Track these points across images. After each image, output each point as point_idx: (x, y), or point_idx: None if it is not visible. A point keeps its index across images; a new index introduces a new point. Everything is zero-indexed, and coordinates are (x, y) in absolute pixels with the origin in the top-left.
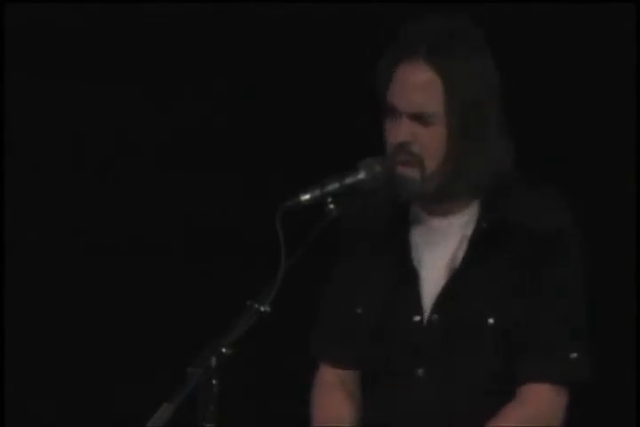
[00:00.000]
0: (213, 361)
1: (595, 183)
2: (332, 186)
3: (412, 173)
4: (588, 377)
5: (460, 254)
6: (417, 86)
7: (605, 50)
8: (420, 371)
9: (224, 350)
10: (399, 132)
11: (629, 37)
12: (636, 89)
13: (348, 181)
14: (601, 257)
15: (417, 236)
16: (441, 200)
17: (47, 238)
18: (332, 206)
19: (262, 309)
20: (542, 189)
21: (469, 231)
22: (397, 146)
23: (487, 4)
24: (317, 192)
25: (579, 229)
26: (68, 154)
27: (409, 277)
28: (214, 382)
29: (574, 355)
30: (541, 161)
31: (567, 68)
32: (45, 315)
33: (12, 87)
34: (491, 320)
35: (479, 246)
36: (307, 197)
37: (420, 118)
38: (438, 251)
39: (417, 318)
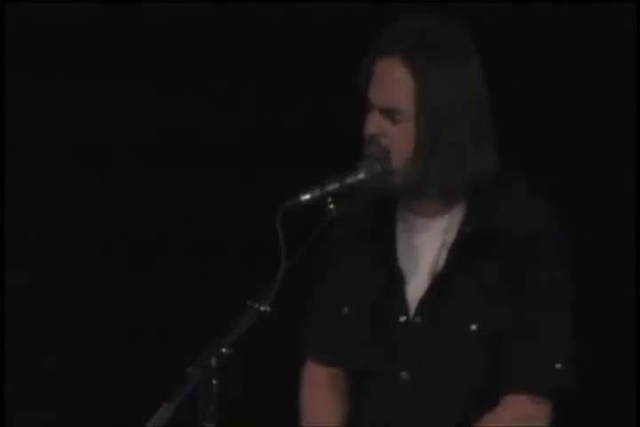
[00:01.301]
0: (213, 361)
1: (595, 183)
2: (332, 186)
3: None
4: (572, 386)
5: (443, 258)
6: (389, 82)
7: (605, 50)
8: (404, 373)
9: (224, 350)
10: (370, 124)
11: (629, 37)
12: (636, 89)
13: (348, 181)
14: (601, 257)
15: (402, 236)
16: (418, 198)
17: (47, 238)
18: (331, 206)
19: (262, 309)
20: (525, 192)
21: (452, 235)
22: (368, 138)
23: (487, 4)
24: (317, 192)
25: (561, 230)
26: (68, 154)
27: (394, 277)
28: (214, 382)
29: (559, 365)
30: (541, 161)
31: (567, 68)
32: (45, 315)
33: (11, 87)
34: (473, 327)
35: (462, 251)
36: (307, 197)
37: (389, 114)
38: (423, 252)
39: (403, 319)
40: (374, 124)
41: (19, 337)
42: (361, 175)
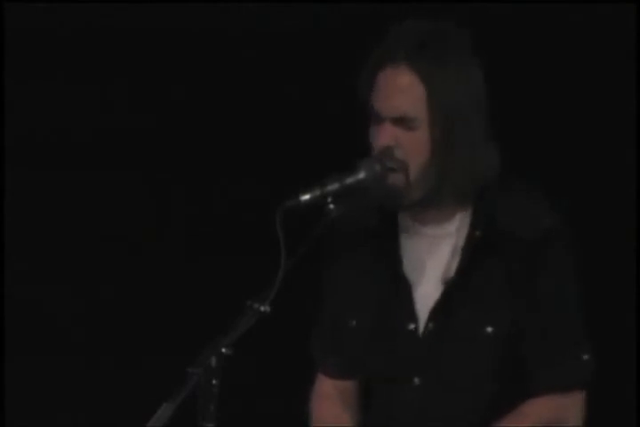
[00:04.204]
0: (213, 361)
1: (594, 183)
2: (332, 186)
3: (397, 180)
4: (594, 376)
5: (455, 263)
6: (399, 90)
7: (605, 50)
8: (417, 380)
9: (224, 350)
10: (383, 136)
11: (629, 37)
12: (636, 89)
13: (348, 181)
14: (601, 257)
15: (407, 244)
16: (428, 208)
17: (46, 236)
18: (331, 206)
19: (262, 309)
20: (527, 192)
21: (462, 240)
22: (381, 151)
23: (486, 4)
24: (317, 192)
25: (567, 229)
26: (69, 153)
27: (400, 286)
28: (214, 382)
29: (586, 356)
30: (541, 161)
31: (567, 68)
32: (45, 315)
33: (11, 88)
34: (489, 329)
35: (473, 256)
36: (307, 197)
37: (402, 123)
38: (431, 259)
39: (412, 327)
40: (388, 135)
41: (18, 337)
42: (361, 175)
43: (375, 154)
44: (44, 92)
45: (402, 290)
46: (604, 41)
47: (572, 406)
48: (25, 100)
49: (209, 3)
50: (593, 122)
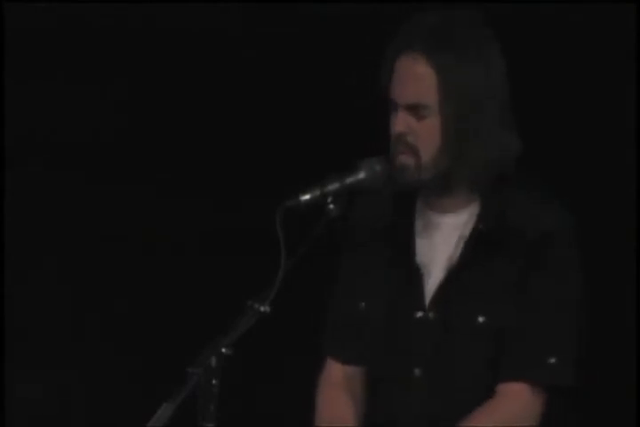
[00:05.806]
0: (213, 361)
1: (595, 183)
2: (332, 186)
3: (407, 160)
4: (569, 383)
5: (457, 254)
6: (411, 78)
7: (605, 50)
8: (417, 371)
9: (224, 350)
10: (397, 123)
11: (629, 37)
12: (636, 89)
13: (349, 180)
14: (601, 258)
15: (420, 231)
16: (441, 194)
17: (46, 236)
18: (331, 206)
19: (262, 309)
20: (537, 190)
21: (467, 232)
22: (395, 137)
23: (487, 3)
24: (317, 192)
25: (569, 230)
26: (69, 153)
27: (412, 273)
28: (214, 382)
29: (552, 360)
30: (541, 161)
31: (567, 68)
32: (45, 315)
33: (11, 88)
34: (480, 319)
35: (475, 248)
36: (307, 197)
37: (414, 110)
38: (439, 248)
39: (419, 314)
40: (401, 122)
41: (18, 336)
42: (361, 175)
43: (391, 140)
44: (44, 92)
45: (413, 278)
46: (604, 41)
47: (525, 402)
48: (25, 100)
49: (209, 3)
50: (593, 122)
